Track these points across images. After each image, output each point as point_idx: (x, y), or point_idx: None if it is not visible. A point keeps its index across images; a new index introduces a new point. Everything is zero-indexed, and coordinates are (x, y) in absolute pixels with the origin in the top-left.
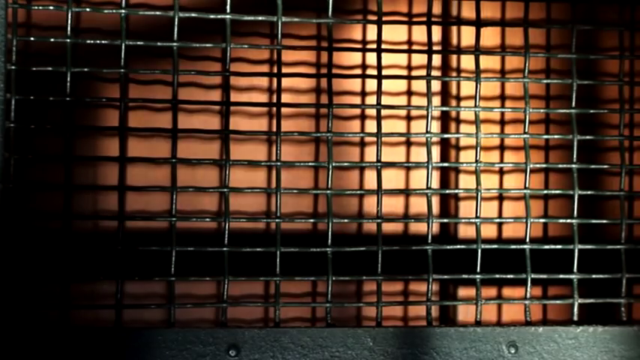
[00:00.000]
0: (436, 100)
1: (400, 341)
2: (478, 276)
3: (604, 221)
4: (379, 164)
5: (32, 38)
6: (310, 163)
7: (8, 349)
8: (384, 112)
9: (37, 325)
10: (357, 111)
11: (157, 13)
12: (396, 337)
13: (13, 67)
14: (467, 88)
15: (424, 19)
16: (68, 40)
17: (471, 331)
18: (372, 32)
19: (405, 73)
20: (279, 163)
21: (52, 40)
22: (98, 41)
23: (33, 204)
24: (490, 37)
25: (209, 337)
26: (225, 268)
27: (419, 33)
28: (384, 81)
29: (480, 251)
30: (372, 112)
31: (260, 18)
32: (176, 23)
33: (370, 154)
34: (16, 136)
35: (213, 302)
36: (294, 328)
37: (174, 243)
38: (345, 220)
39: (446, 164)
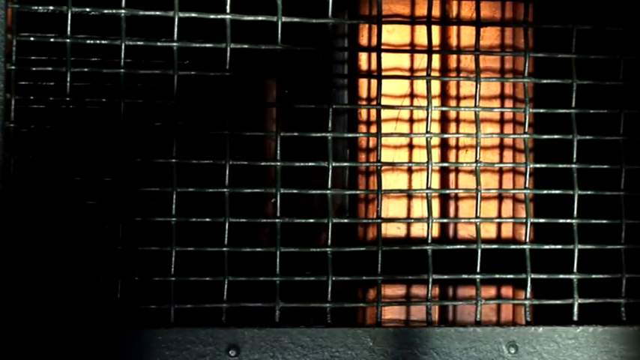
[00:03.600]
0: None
1: (400, 341)
2: (478, 276)
3: (604, 221)
4: (379, 164)
5: (32, 38)
6: (310, 163)
7: (9, 348)
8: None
9: (38, 325)
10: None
11: (157, 13)
12: (396, 337)
13: (13, 67)
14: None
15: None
16: (68, 40)
17: (470, 331)
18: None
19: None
20: (279, 163)
21: (51, 40)
22: (98, 41)
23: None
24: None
25: (209, 337)
26: (225, 268)
27: (423, 37)
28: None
29: (479, 251)
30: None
31: (260, 18)
32: (176, 23)
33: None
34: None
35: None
36: (294, 328)
37: (174, 243)
38: (345, 220)
39: (446, 164)
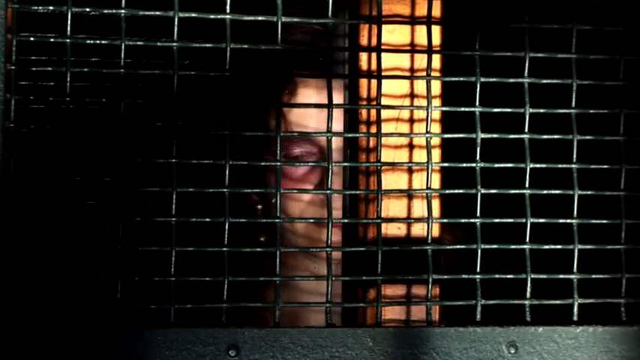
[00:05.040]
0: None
1: (400, 341)
2: (478, 276)
3: (604, 221)
4: (379, 164)
5: (32, 38)
6: (310, 163)
7: (8, 348)
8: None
9: (36, 325)
10: None
11: (157, 13)
12: (396, 337)
13: (13, 67)
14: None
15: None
16: (68, 40)
17: (470, 331)
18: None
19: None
20: (279, 164)
21: (51, 40)
22: (98, 41)
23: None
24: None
25: (209, 337)
26: (224, 268)
27: (423, 37)
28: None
29: (479, 251)
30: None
31: (260, 18)
32: (176, 23)
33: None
34: None
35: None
36: (293, 328)
37: (174, 243)
38: (345, 220)
39: (446, 164)
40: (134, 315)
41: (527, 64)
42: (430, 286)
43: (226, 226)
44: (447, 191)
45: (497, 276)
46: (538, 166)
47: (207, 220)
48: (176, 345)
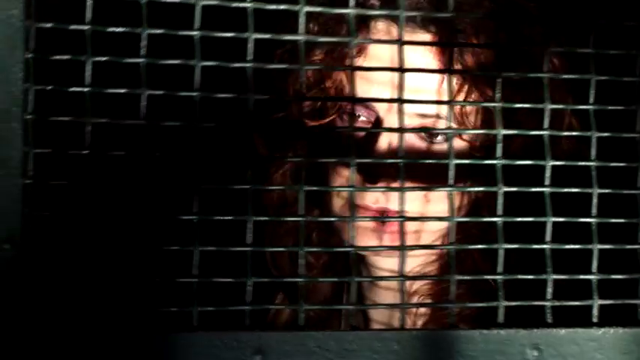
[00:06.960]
0: None
1: (426, 345)
2: (500, 277)
3: (621, 220)
4: (401, 161)
5: (50, 25)
6: (331, 159)
7: (29, 351)
8: None
9: (61, 330)
10: None
11: (177, 0)
12: (422, 340)
13: (31, 56)
14: None
15: None
16: (87, 27)
17: (495, 334)
18: None
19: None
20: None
21: (71, 27)
22: (118, 29)
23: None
24: None
25: (234, 341)
26: (248, 269)
27: None
28: None
29: (501, 251)
30: None
31: (282, 7)
32: (198, 11)
33: None
34: None
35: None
36: (319, 331)
37: (197, 243)
38: (367, 219)
39: (467, 161)
40: (158, 319)
41: (546, 61)
42: (454, 287)
43: (250, 225)
44: (469, 189)
45: (519, 276)
46: (558, 163)
47: (230, 218)
48: (200, 349)
